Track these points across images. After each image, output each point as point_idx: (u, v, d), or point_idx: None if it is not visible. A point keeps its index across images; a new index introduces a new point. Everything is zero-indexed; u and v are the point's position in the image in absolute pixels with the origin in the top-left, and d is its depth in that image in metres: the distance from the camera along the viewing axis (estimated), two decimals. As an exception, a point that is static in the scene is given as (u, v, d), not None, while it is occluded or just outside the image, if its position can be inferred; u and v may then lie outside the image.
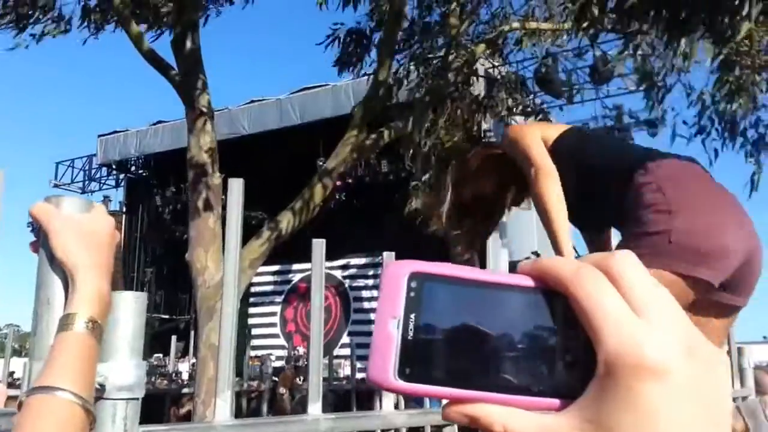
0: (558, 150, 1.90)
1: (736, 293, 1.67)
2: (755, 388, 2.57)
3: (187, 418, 4.67)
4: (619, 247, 1.68)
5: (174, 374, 11.63)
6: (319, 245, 1.23)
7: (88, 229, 0.83)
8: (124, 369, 0.88)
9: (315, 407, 1.11)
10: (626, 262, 0.32)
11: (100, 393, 0.86)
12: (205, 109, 3.15)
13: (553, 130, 1.98)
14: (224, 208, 3.24)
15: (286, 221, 3.00)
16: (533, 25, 6.69)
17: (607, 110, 10.07)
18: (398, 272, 0.32)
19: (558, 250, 1.73)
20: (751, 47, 4.93)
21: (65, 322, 0.76)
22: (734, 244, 1.57)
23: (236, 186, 1.09)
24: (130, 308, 0.91)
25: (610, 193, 1.75)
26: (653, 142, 10.78)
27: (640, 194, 1.62)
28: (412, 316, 0.31)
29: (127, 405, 0.88)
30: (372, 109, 3.61)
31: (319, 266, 1.24)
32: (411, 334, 0.31)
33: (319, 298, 1.19)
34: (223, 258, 1.09)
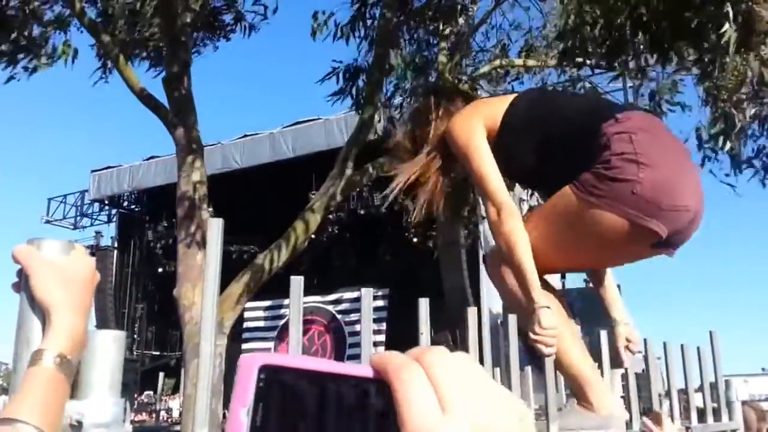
0: (510, 123, 1.89)
1: (672, 246, 1.77)
2: (744, 425, 2.58)
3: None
4: (579, 177, 1.71)
5: (165, 411, 11.51)
6: (297, 282, 1.26)
7: (67, 271, 0.86)
8: (102, 406, 0.89)
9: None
10: (439, 358, 0.35)
11: (76, 430, 0.87)
12: (195, 146, 3.19)
13: (499, 104, 1.95)
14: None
15: (272, 258, 3.01)
16: (518, 62, 6.82)
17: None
18: (250, 364, 0.34)
19: (528, 297, 1.72)
20: (733, 80, 5.04)
21: (35, 358, 0.78)
22: (690, 205, 1.68)
23: (216, 225, 1.12)
24: (109, 346, 0.93)
25: (575, 146, 1.77)
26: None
27: (610, 142, 1.67)
28: (261, 405, 0.34)
29: (105, 442, 0.90)
30: (358, 146, 3.66)
31: (297, 302, 1.26)
32: (258, 422, 0.34)
33: (296, 332, 1.21)
34: (203, 295, 1.11)
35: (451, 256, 10.15)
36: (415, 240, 11.83)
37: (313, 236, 13.96)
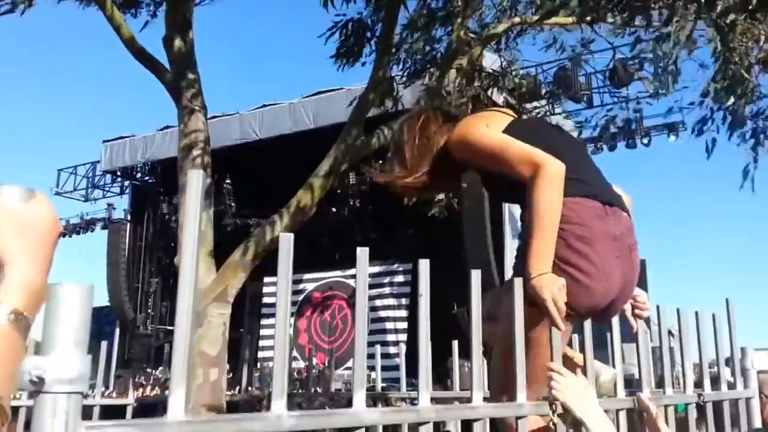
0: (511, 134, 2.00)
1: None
2: (759, 392, 2.59)
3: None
4: None
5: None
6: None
7: (24, 219, 0.84)
8: (66, 362, 0.88)
9: (278, 404, 1.12)
10: None
11: (38, 386, 0.87)
12: (197, 108, 3.16)
13: (499, 121, 2.07)
14: (216, 202, 3.26)
15: (278, 225, 3.00)
16: (533, 19, 6.71)
17: (627, 111, 10.04)
18: None
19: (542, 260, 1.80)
20: (745, 42, 5.00)
21: None
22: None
23: (195, 177, 1.10)
24: (74, 300, 0.92)
25: None
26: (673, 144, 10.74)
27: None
28: None
29: (69, 399, 0.89)
30: (366, 108, 3.61)
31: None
32: None
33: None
34: (180, 251, 1.10)
35: (475, 231, 10.11)
36: (437, 213, 11.81)
37: (333, 210, 14.06)
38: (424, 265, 1.42)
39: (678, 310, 2.20)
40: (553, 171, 1.84)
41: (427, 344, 1.40)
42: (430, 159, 2.12)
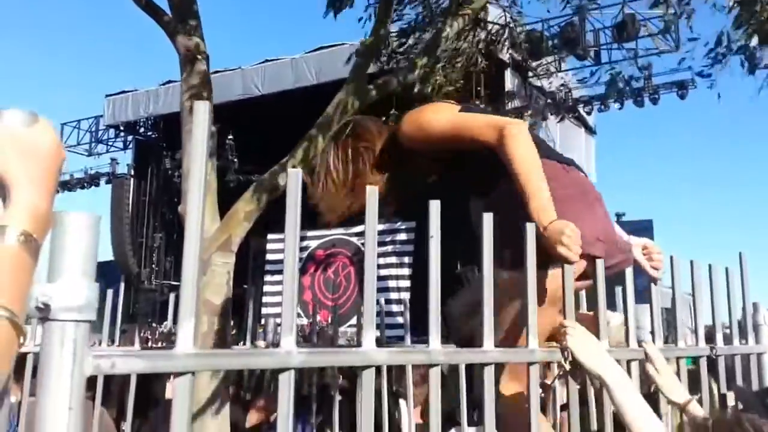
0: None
1: None
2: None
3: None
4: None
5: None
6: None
7: (28, 143, 0.82)
8: (73, 290, 0.87)
9: (288, 340, 1.10)
10: None
11: (44, 313, 0.85)
12: (199, 56, 3.09)
13: (446, 107, 2.08)
14: (219, 158, 3.21)
15: (283, 173, 2.97)
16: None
17: (636, 68, 9.89)
18: None
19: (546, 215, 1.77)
20: None
21: None
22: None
23: (202, 108, 1.07)
24: (82, 228, 0.90)
25: None
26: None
27: None
28: None
29: (77, 327, 0.87)
30: (368, 56, 3.52)
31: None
32: None
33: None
34: (185, 200, 1.08)
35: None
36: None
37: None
38: (434, 207, 1.39)
39: (692, 262, 2.18)
40: (518, 128, 1.87)
41: (437, 287, 1.38)
42: (370, 170, 2.10)
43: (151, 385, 3.64)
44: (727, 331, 2.35)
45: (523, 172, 1.80)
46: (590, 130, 13.99)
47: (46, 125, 0.87)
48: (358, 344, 1.26)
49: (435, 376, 1.34)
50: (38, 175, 0.82)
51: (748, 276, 2.38)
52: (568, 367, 1.63)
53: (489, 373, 1.45)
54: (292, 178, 1.14)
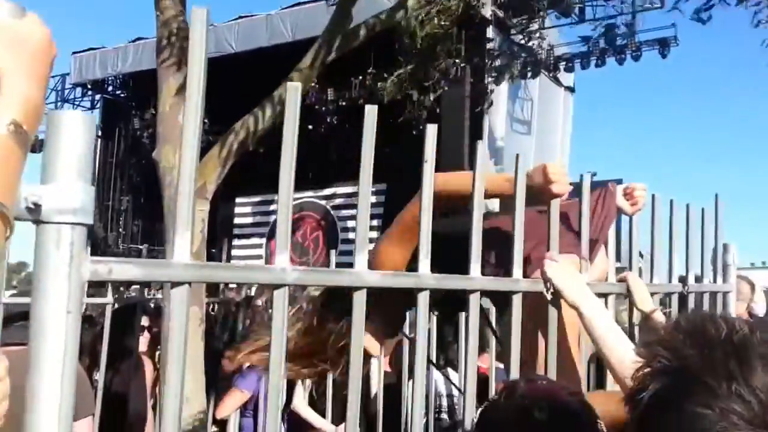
0: None
1: None
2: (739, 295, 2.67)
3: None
4: None
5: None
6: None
7: (18, 33, 0.79)
8: (68, 191, 0.85)
9: (283, 258, 1.10)
10: None
11: (35, 215, 0.83)
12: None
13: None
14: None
15: (255, 119, 2.91)
16: None
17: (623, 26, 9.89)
18: None
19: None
20: None
21: None
22: None
23: (200, 17, 1.04)
24: (77, 128, 0.88)
25: None
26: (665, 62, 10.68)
27: None
28: None
29: (74, 230, 0.86)
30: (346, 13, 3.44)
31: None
32: None
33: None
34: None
35: (453, 149, 10.05)
36: (414, 132, 11.76)
37: (310, 127, 13.81)
38: (431, 130, 1.39)
39: (671, 201, 2.23)
40: None
41: (428, 213, 1.39)
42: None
43: (124, 337, 3.62)
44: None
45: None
46: (569, 89, 14.01)
47: (37, 18, 0.84)
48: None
49: (423, 300, 1.35)
50: (30, 65, 0.79)
51: (722, 218, 2.44)
52: (549, 297, 1.66)
53: (474, 300, 1.47)
54: (292, 93, 1.12)
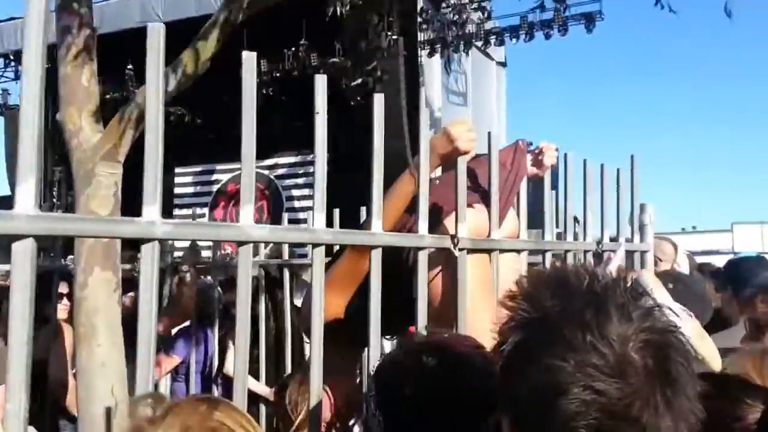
0: None
1: None
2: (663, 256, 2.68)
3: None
4: None
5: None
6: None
7: None
8: None
9: (151, 210, 1.01)
10: None
11: None
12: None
13: None
14: (99, 63, 3.00)
15: (172, 80, 2.79)
16: None
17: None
18: None
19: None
20: None
21: None
22: None
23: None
24: None
25: None
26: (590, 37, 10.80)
27: None
28: None
29: None
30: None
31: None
32: None
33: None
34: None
35: (392, 119, 10.00)
36: (352, 103, 11.66)
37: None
38: (320, 81, 1.31)
39: (584, 161, 2.19)
40: None
41: (323, 164, 1.31)
42: None
43: (42, 304, 3.49)
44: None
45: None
46: (501, 64, 14.06)
47: None
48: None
49: (318, 255, 1.28)
50: None
51: (638, 178, 2.43)
52: (457, 253, 1.61)
53: (377, 256, 1.41)
54: (154, 34, 1.03)
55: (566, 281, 0.89)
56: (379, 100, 1.35)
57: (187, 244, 4.18)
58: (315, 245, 1.28)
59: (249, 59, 1.12)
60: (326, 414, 1.63)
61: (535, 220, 2.09)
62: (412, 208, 1.62)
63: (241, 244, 1.14)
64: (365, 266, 1.43)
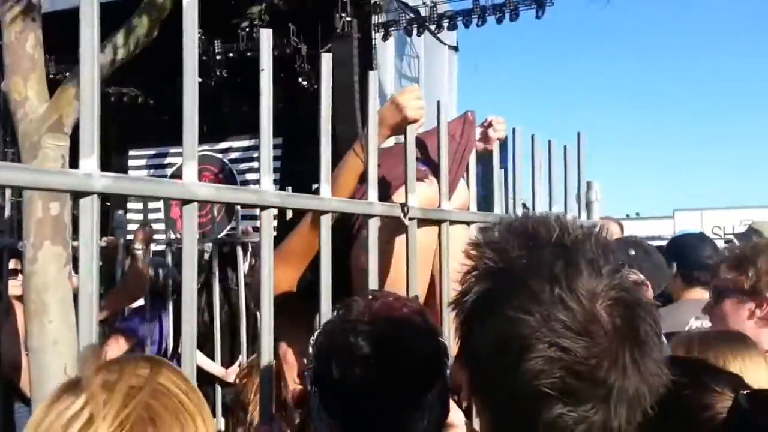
0: None
1: None
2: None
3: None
4: None
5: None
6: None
7: None
8: None
9: (88, 162, 0.98)
10: None
11: None
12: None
13: None
14: (57, 43, 2.89)
15: (113, 48, 2.72)
16: None
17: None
18: None
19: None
20: None
21: None
22: None
23: None
24: None
25: None
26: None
27: None
28: None
29: None
30: None
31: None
32: None
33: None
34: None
35: (343, 104, 9.94)
36: (306, 84, 11.58)
37: (200, 79, 13.29)
38: (266, 35, 1.29)
39: (532, 136, 2.20)
40: None
41: (269, 123, 1.30)
42: None
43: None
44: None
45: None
46: (453, 48, 14.09)
47: None
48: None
49: (266, 219, 1.26)
50: None
51: (585, 155, 2.44)
52: (407, 222, 1.60)
53: (326, 221, 1.39)
54: (264, 38, 0.99)
55: (535, 232, 0.85)
56: (326, 59, 1.33)
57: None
58: (263, 208, 1.26)
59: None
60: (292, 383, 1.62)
61: (486, 204, 2.10)
62: (363, 178, 1.60)
63: (185, 203, 1.12)
64: (317, 241, 1.41)
